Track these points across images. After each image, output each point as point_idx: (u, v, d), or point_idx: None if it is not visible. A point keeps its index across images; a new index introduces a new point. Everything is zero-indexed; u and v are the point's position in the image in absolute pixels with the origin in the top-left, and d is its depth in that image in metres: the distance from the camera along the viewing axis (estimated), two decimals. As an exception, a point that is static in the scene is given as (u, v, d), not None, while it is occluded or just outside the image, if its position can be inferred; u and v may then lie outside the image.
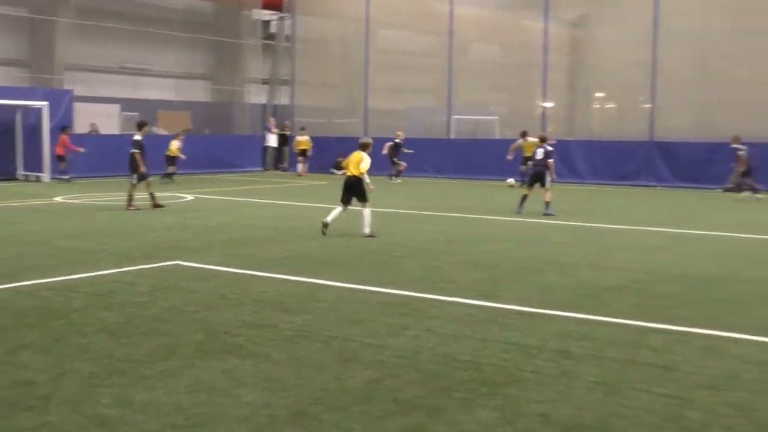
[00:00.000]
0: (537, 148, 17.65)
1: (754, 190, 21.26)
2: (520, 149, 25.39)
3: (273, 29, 36.94)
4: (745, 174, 21.78)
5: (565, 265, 10.58)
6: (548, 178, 17.17)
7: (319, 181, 28.41)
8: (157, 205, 16.98)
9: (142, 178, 17.04)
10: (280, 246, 12.18)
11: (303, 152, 31.65)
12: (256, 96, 35.96)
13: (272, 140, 34.18)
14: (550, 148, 17.48)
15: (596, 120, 32.60)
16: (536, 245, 12.57)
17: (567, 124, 32.13)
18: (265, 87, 36.65)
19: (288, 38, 35.90)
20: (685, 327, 7.21)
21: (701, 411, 5.06)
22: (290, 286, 9.08)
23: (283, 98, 36.34)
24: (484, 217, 16.77)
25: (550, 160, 17.29)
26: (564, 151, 28.72)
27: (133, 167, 17.01)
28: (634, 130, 28.45)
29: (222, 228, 14.33)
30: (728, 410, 5.08)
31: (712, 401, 5.25)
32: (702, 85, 27.42)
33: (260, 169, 33.79)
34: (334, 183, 27.66)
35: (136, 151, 17.01)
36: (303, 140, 31.76)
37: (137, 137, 17.25)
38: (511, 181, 24.97)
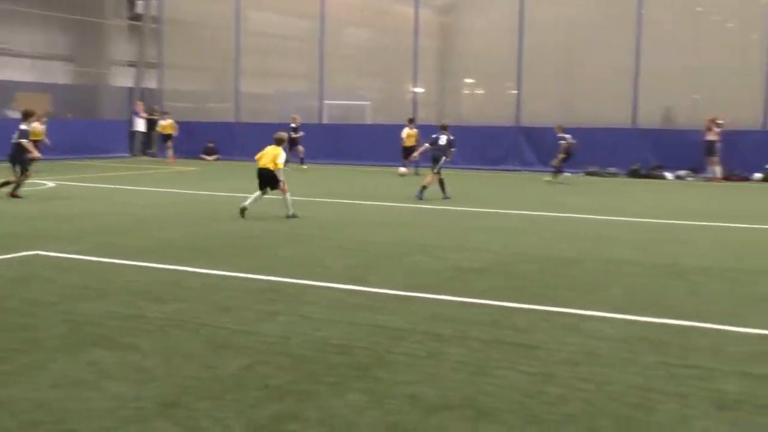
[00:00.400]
0: (440, 135, 17.98)
1: (557, 174, 22.60)
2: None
3: (139, 9, 35.83)
4: (563, 160, 22.76)
5: (433, 248, 10.81)
6: (440, 164, 17.58)
7: (190, 166, 27.94)
8: (14, 195, 16.26)
9: (25, 169, 16.36)
10: (149, 234, 11.94)
11: (168, 137, 30.48)
12: (123, 79, 34.83)
13: (140, 125, 33.25)
14: (452, 137, 17.95)
15: (466, 105, 33.30)
16: (405, 229, 12.79)
17: (437, 110, 32.65)
18: (132, 70, 35.57)
19: (155, 19, 34.93)
20: (545, 306, 7.51)
21: (561, 386, 5.30)
22: (159, 274, 8.92)
23: (151, 81, 35.37)
24: (355, 202, 16.92)
25: (453, 149, 17.93)
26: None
27: (16, 157, 16.31)
28: (502, 116, 29.27)
29: (87, 216, 13.90)
30: (585, 384, 5.34)
31: (570, 376, 5.50)
32: (565, 72, 28.48)
33: (128, 154, 32.89)
34: (206, 168, 27.32)
35: (25, 140, 16.31)
36: (167, 124, 30.52)
37: (24, 127, 16.56)
38: (402, 170, 24.46)
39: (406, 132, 25.47)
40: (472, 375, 5.53)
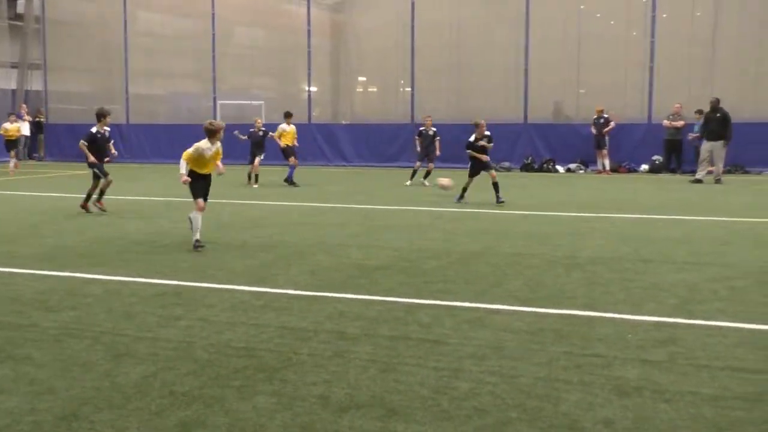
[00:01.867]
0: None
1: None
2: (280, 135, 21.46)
3: (20, 9, 34.51)
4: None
5: (336, 247, 10.76)
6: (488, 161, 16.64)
7: (80, 170, 27.04)
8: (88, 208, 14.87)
9: (101, 171, 14.98)
10: (40, 240, 11.48)
11: (12, 143, 26.29)
12: (5, 81, 33.51)
13: (25, 128, 32.00)
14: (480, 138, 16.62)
15: (359, 104, 33.40)
16: (306, 228, 12.69)
17: (332, 108, 32.66)
18: (15, 71, 34.22)
19: (38, 19, 33.69)
20: (451, 301, 7.56)
21: (469, 381, 5.33)
22: (52, 282, 8.58)
23: (35, 83, 34.13)
24: (252, 202, 16.70)
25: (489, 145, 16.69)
26: (330, 134, 29.27)
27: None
28: (396, 113, 29.49)
29: (-29, 223, 13.27)
30: (493, 378, 5.38)
31: (478, 370, 5.54)
32: (457, 69, 28.89)
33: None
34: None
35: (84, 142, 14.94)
36: (12, 128, 26.52)
37: (94, 129, 15.01)
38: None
39: (282, 130, 21.44)
40: (380, 373, 5.50)
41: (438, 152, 21.67)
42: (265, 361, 5.74)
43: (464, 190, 16.60)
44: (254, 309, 7.31)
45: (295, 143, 21.57)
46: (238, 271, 9.10)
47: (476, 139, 16.63)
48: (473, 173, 16.68)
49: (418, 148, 21.95)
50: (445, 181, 17.48)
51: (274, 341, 6.24)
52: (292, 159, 21.11)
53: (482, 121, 16.93)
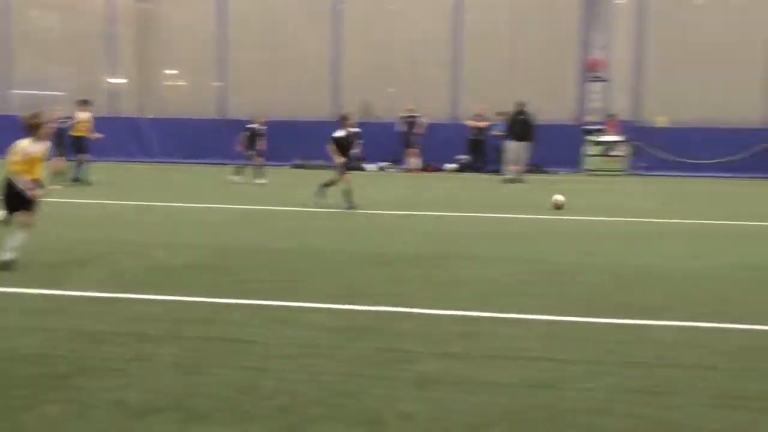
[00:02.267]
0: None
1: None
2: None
3: None
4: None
5: (139, 246, 10.37)
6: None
7: None
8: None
9: None
10: None
11: None
12: None
13: None
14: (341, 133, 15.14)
15: (168, 97, 32.45)
16: (108, 227, 12.21)
17: (138, 101, 31.52)
18: None
19: None
20: (260, 300, 7.44)
21: (275, 379, 5.25)
22: None
23: None
24: (47, 200, 15.79)
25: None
26: (135, 128, 28.28)
27: None
28: (206, 108, 28.90)
29: None
30: (298, 376, 5.33)
31: (285, 369, 5.46)
32: (270, 64, 28.66)
33: None
34: None
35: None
36: None
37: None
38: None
39: (86, 116, 19.73)
40: (183, 375, 5.32)
41: (263, 147, 21.33)
42: (56, 368, 5.40)
43: (329, 185, 15.19)
44: (47, 313, 6.88)
45: (91, 135, 19.77)
46: (33, 273, 8.53)
47: (345, 137, 15.14)
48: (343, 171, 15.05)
49: (241, 145, 21.27)
50: (560, 198, 15.34)
51: (68, 346, 5.90)
52: (84, 155, 19.33)
53: (349, 114, 15.92)
